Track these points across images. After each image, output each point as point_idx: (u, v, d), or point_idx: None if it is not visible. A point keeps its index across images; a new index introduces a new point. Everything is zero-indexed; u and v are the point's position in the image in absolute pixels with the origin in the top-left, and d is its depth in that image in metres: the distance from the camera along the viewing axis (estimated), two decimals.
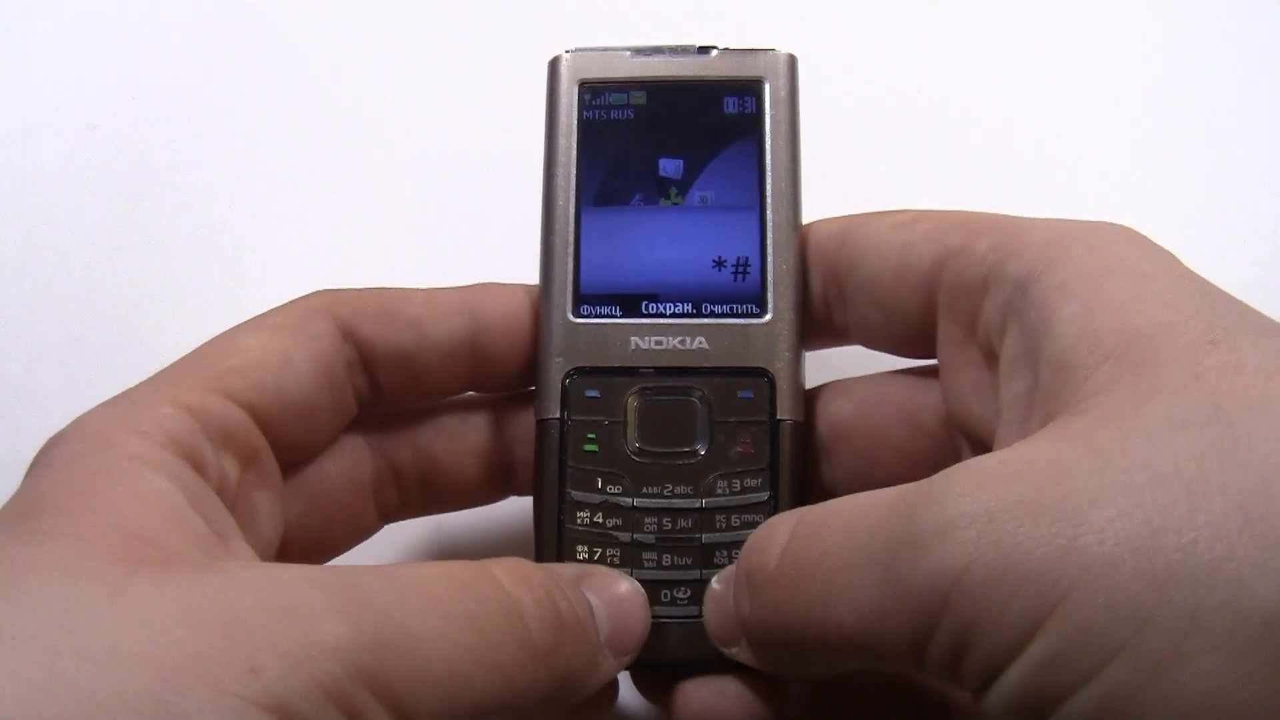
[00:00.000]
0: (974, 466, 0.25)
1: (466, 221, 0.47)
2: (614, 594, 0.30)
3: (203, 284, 0.47)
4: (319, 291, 0.33)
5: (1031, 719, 0.23)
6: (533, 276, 0.35)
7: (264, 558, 0.30)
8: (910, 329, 0.33)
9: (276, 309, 0.32)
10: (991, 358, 0.30)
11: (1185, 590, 0.21)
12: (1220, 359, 0.24)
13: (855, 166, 0.47)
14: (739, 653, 0.30)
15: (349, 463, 0.34)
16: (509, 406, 0.35)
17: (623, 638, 0.30)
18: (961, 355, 0.31)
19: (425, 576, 0.26)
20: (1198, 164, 0.47)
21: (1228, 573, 0.21)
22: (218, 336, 0.31)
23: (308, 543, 0.33)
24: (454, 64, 0.51)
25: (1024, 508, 0.23)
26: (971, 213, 0.32)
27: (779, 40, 0.36)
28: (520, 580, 0.27)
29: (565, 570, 0.30)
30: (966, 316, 0.31)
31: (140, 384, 0.30)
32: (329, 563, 0.34)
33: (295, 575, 0.24)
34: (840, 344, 0.35)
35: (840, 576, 0.26)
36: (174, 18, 0.52)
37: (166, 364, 0.30)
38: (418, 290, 0.34)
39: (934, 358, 0.33)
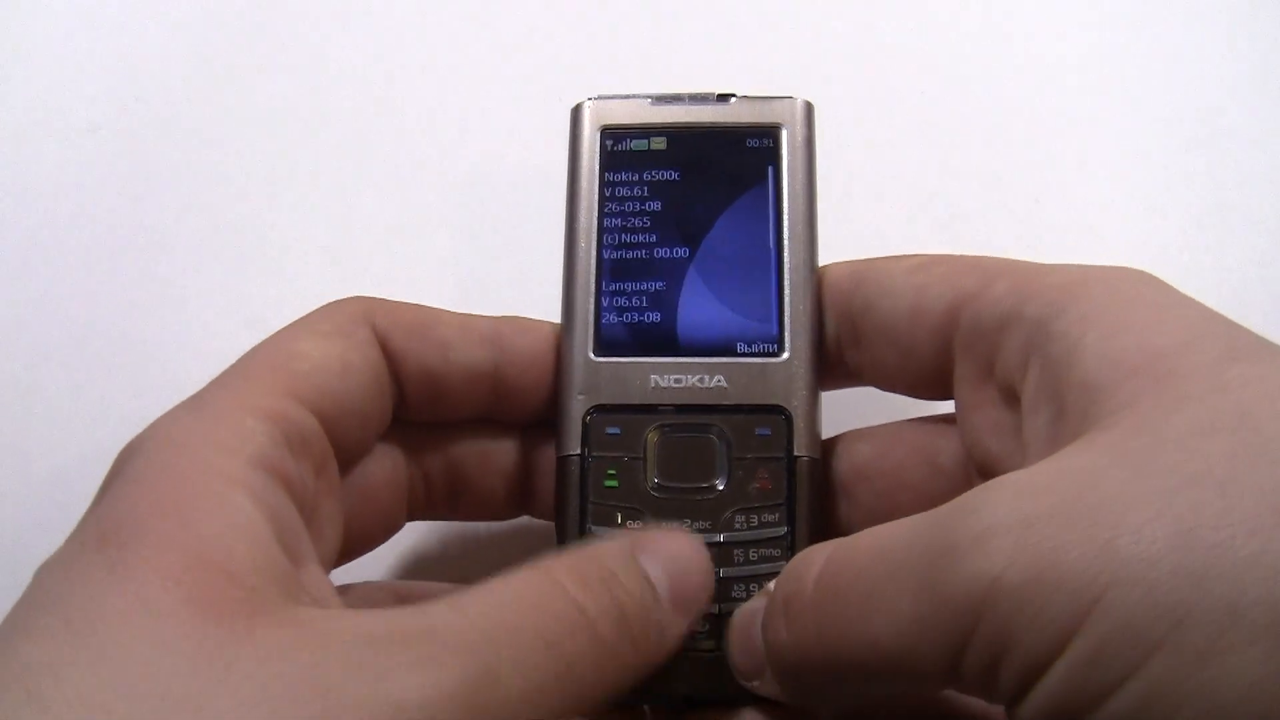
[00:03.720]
0: (1009, 481, 0.25)
1: (464, 236, 0.48)
2: (669, 553, 0.30)
3: (204, 286, 0.47)
4: (354, 298, 0.33)
5: None
6: (532, 301, 0.36)
7: (327, 567, 0.30)
8: (926, 370, 0.33)
9: (316, 314, 0.32)
10: (1010, 396, 0.31)
11: (1223, 584, 0.21)
12: (1243, 371, 0.24)
13: (869, 211, 0.47)
14: (761, 685, 0.30)
15: (389, 466, 0.34)
16: (537, 434, 0.36)
17: (685, 597, 0.29)
18: (979, 395, 0.32)
19: (497, 605, 0.26)
20: (1198, 164, 0.48)
21: (1265, 566, 0.21)
22: (269, 341, 0.31)
23: (349, 543, 0.33)
24: (457, 74, 0.51)
25: (1059, 514, 0.23)
26: (985, 257, 0.33)
27: (799, 88, 0.36)
28: (582, 583, 0.27)
29: (616, 545, 0.29)
30: (984, 356, 0.31)
31: (212, 388, 0.29)
32: (362, 557, 0.35)
33: (376, 630, 0.24)
34: (853, 385, 0.36)
35: (876, 591, 0.26)
36: (177, 19, 0.52)
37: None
38: (450, 313, 0.34)
39: (949, 399, 0.34)
